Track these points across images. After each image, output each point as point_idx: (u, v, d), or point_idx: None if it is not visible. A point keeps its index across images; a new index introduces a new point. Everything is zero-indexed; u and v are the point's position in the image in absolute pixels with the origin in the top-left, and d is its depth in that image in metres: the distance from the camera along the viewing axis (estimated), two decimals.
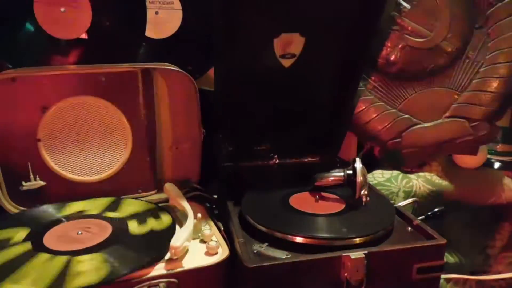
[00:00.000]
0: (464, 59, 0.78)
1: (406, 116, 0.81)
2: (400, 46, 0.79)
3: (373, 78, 0.81)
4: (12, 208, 0.66)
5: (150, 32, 0.75)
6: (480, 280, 0.91)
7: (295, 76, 0.74)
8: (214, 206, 0.74)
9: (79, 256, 0.53)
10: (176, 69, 0.69)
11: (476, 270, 0.88)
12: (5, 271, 0.50)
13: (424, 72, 0.79)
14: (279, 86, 0.74)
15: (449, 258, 0.86)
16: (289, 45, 0.71)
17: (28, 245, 0.55)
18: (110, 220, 0.62)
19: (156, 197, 0.74)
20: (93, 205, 0.67)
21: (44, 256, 0.53)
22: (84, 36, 0.69)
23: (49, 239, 0.57)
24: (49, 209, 0.65)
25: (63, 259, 0.52)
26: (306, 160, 0.82)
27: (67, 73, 0.66)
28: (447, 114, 0.79)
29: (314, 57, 0.73)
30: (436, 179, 0.84)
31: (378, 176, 0.84)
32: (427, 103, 0.80)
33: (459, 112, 0.78)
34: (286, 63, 0.72)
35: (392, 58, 0.79)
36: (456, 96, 0.79)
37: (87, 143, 0.69)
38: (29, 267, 0.51)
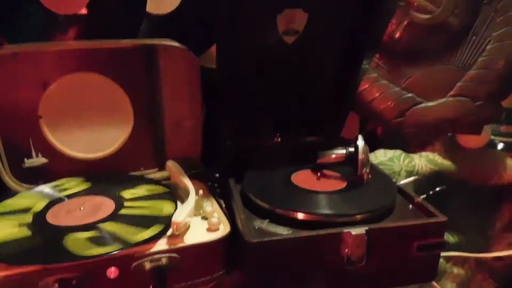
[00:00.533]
0: (471, 36, 0.77)
1: (410, 95, 0.80)
2: (405, 23, 0.77)
3: (377, 56, 0.79)
4: (14, 185, 0.66)
5: (151, 7, 0.73)
6: (479, 259, 0.91)
7: (298, 53, 0.73)
8: (215, 184, 0.74)
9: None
10: (178, 45, 0.68)
11: (476, 250, 0.89)
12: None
13: (429, 50, 0.78)
14: (281, 63, 0.73)
15: (449, 238, 0.86)
16: (292, 21, 0.69)
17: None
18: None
19: (158, 175, 0.74)
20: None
21: None
22: (83, 11, 0.68)
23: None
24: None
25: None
26: (308, 139, 0.82)
27: (67, 49, 0.65)
28: (451, 93, 0.78)
29: (317, 33, 0.71)
30: (439, 159, 0.84)
31: (380, 155, 0.84)
32: (432, 81, 0.79)
33: (463, 91, 0.77)
34: (289, 39, 0.71)
35: (397, 35, 0.77)
36: (460, 75, 0.78)
37: (89, 120, 0.69)
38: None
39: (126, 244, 0.50)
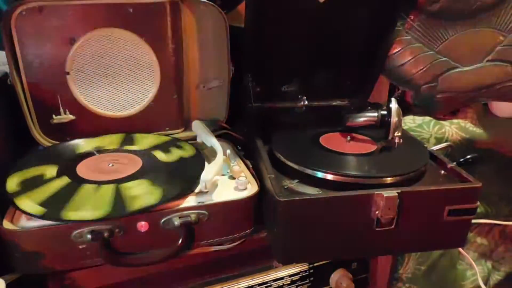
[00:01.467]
0: None
1: (444, 59, 0.76)
2: None
3: (412, 16, 0.75)
4: (43, 140, 0.67)
5: None
6: (503, 230, 0.90)
7: (329, 13, 0.70)
8: (239, 147, 0.73)
9: (126, 183, 0.55)
10: (205, 1, 0.65)
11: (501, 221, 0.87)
12: (58, 202, 0.51)
13: (469, 10, 0.73)
14: (312, 23, 0.71)
15: None
16: None
17: (65, 179, 0.56)
18: (134, 152, 0.64)
19: (183, 135, 0.74)
20: (107, 141, 0.68)
21: (89, 186, 0.54)
22: None
23: (83, 172, 0.58)
24: (69, 146, 0.66)
25: (110, 187, 0.54)
26: (335, 103, 0.80)
27: (94, 3, 0.63)
28: (489, 58, 0.74)
29: None
30: (470, 127, 0.81)
31: (409, 122, 0.82)
32: (469, 45, 0.75)
33: (503, 55, 0.73)
34: None
35: None
36: (501, 38, 0.73)
37: (115, 78, 0.68)
38: (80, 197, 0.52)
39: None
